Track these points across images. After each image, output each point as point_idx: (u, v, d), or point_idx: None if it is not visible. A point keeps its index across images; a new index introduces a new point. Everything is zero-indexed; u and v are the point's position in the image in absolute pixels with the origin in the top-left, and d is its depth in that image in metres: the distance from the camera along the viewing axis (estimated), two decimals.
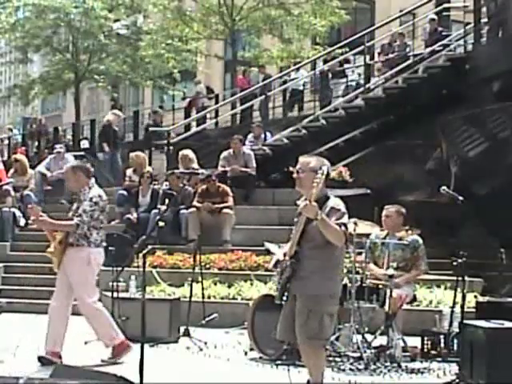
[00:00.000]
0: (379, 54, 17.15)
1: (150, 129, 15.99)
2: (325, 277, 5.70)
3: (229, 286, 10.49)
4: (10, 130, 30.35)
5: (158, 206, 12.27)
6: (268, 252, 9.61)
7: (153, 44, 25.51)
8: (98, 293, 7.79)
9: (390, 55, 16.52)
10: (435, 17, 16.39)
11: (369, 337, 7.78)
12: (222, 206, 12.29)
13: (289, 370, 6.24)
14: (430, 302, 9.65)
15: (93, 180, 7.66)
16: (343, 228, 5.61)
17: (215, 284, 10.55)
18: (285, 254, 5.94)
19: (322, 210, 5.61)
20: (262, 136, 15.22)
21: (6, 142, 27.72)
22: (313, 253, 5.68)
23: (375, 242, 8.47)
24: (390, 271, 7.94)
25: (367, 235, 8.54)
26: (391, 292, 7.76)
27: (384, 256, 8.33)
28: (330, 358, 7.32)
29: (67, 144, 23.34)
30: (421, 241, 8.38)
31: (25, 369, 6.56)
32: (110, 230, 12.35)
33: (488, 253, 10.01)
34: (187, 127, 18.39)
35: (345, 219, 5.67)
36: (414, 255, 8.30)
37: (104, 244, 7.61)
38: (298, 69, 18.96)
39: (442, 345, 7.89)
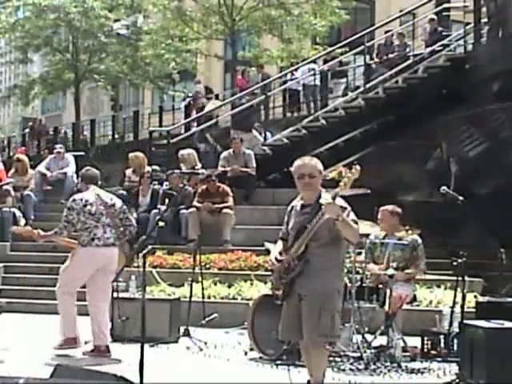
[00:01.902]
0: (376, 54, 17.14)
1: (151, 129, 15.96)
2: (332, 274, 5.74)
3: (229, 286, 10.49)
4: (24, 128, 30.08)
5: (158, 206, 12.28)
6: (268, 252, 9.60)
7: (153, 44, 25.53)
8: (74, 289, 7.99)
9: (390, 55, 16.51)
10: (435, 17, 16.38)
11: (369, 337, 7.78)
12: (221, 206, 12.29)
13: (289, 370, 6.24)
14: (430, 302, 9.65)
15: (91, 186, 8.06)
16: (357, 225, 5.70)
17: (215, 284, 10.55)
18: (280, 253, 5.93)
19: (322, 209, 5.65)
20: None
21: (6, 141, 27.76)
22: (320, 251, 5.70)
23: (374, 242, 8.47)
24: (390, 271, 7.94)
25: (367, 235, 8.54)
26: (391, 292, 7.76)
27: (383, 256, 8.33)
28: (330, 358, 7.31)
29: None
30: (420, 240, 8.38)
31: (25, 369, 6.57)
32: None
33: (488, 253, 10.01)
34: (187, 127, 18.37)
35: (353, 215, 5.74)
36: (414, 254, 8.31)
37: (97, 242, 7.83)
38: (296, 69, 18.93)
39: (442, 345, 7.89)
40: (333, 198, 5.55)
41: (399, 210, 8.57)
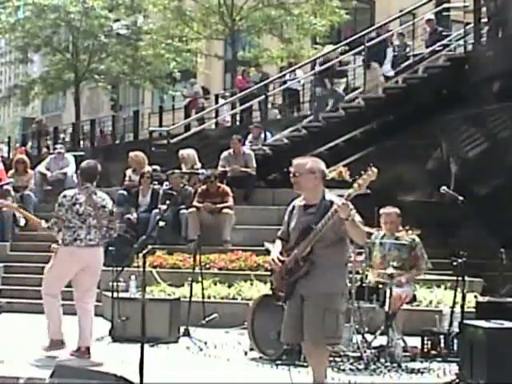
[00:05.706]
0: None
1: (151, 129, 15.96)
2: (337, 275, 5.73)
3: (229, 286, 10.49)
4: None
5: (159, 206, 12.27)
6: (268, 252, 9.59)
7: (153, 44, 25.53)
8: (56, 291, 7.91)
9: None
10: (433, 17, 16.35)
11: (369, 337, 7.78)
12: (221, 206, 12.28)
13: (289, 370, 6.24)
14: (430, 302, 9.65)
15: (86, 183, 7.81)
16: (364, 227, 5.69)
17: (215, 284, 10.55)
18: (281, 253, 5.91)
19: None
20: (262, 136, 15.21)
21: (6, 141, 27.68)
22: (325, 252, 5.68)
23: (373, 242, 8.49)
24: (390, 270, 7.95)
25: (370, 234, 8.56)
26: (391, 292, 7.76)
27: (381, 256, 8.36)
28: (330, 358, 7.31)
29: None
30: (418, 239, 8.41)
31: (25, 369, 6.57)
32: None
33: (488, 253, 10.02)
34: (187, 127, 18.38)
35: (359, 217, 5.71)
36: (412, 255, 8.33)
37: (79, 243, 7.64)
38: (295, 69, 18.88)
39: (442, 345, 7.90)
40: (346, 198, 5.54)
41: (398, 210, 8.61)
